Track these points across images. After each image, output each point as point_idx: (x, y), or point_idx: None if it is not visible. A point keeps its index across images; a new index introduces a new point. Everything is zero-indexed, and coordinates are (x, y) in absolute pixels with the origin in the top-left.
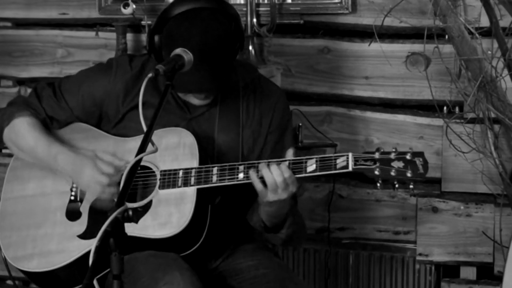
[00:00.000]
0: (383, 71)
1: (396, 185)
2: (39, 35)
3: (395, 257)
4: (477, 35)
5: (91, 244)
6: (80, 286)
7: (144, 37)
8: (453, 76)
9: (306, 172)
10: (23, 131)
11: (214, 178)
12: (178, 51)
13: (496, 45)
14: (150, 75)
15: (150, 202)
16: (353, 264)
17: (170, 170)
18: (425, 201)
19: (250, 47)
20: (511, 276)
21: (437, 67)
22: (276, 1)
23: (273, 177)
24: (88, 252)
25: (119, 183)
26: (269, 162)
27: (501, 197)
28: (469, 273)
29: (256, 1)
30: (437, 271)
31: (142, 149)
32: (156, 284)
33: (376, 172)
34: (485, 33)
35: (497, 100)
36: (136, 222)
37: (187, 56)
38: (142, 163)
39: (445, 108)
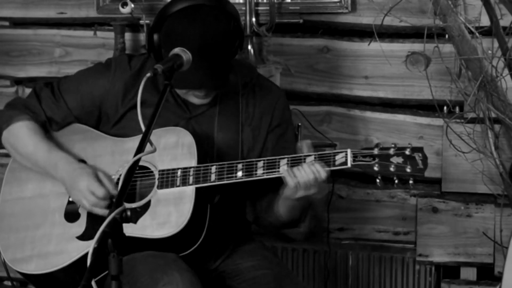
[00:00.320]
0: (383, 71)
1: (396, 181)
2: (37, 35)
3: (395, 258)
4: (477, 34)
5: (90, 246)
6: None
7: (142, 36)
8: (453, 76)
9: None
10: (23, 136)
11: (213, 177)
12: (176, 50)
13: (496, 44)
14: (148, 74)
15: (148, 202)
16: (352, 265)
17: (168, 170)
18: (425, 202)
19: (249, 47)
20: (511, 275)
21: (437, 67)
22: (275, 0)
23: (307, 176)
24: (87, 253)
25: (109, 206)
26: (290, 157)
27: (502, 198)
28: (469, 273)
29: (255, 0)
30: (437, 272)
31: (140, 149)
32: (156, 284)
33: (375, 168)
34: (486, 32)
35: (498, 99)
36: (135, 222)
37: (186, 55)
38: (141, 163)
39: (445, 108)
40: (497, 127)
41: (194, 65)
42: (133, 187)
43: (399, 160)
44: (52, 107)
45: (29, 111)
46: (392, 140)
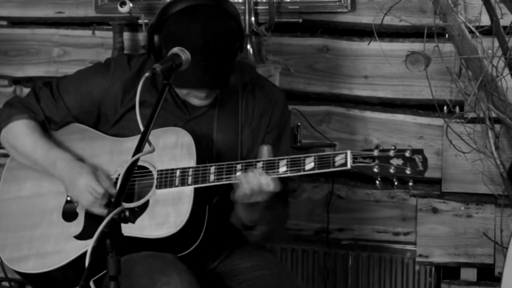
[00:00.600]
0: (383, 71)
1: (396, 183)
2: (35, 34)
3: (395, 258)
4: (477, 34)
5: (88, 245)
6: (77, 287)
7: (141, 36)
8: (453, 76)
9: (304, 171)
10: (21, 134)
11: (212, 177)
12: (175, 50)
13: (496, 44)
14: (147, 74)
15: (147, 202)
16: (352, 265)
17: (167, 170)
18: (425, 202)
19: (248, 46)
20: (511, 275)
21: (437, 66)
22: (274, 0)
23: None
24: (85, 253)
25: (107, 204)
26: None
27: (502, 198)
28: (469, 274)
29: (254, 0)
30: (437, 273)
31: (139, 149)
32: (154, 285)
33: (375, 170)
34: (486, 32)
35: (498, 99)
36: (133, 222)
37: (185, 55)
38: (140, 163)
39: (445, 107)
40: (497, 127)
41: (196, 65)
42: (131, 187)
43: (399, 162)
44: (51, 107)
45: (28, 110)
46: (392, 140)
